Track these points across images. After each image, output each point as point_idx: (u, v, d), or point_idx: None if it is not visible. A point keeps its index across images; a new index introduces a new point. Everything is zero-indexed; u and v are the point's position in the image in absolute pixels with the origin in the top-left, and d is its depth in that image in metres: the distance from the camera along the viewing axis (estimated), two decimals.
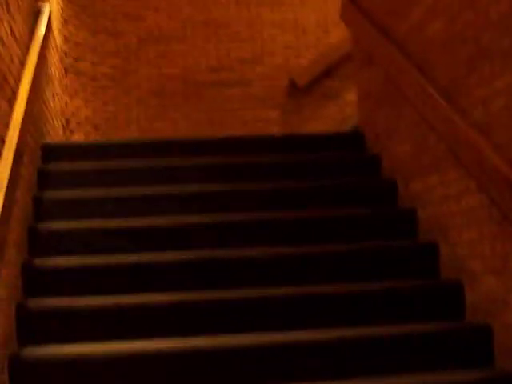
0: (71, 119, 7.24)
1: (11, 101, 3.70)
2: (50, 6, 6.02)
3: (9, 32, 3.72)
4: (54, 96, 6.04)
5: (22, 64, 4.21)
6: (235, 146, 5.31)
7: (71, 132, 7.12)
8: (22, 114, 3.63)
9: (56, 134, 6.14)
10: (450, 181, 3.95)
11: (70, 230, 4.21)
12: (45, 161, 5.06)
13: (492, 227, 3.52)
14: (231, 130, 8.05)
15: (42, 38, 4.56)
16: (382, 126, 4.96)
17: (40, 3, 5.16)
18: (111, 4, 7.99)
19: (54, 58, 6.21)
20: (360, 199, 4.72)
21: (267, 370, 3.39)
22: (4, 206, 3.02)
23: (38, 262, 3.94)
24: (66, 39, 7.28)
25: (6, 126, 3.53)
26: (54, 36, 6.20)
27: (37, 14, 4.93)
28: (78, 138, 7.28)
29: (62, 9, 7.22)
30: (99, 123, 7.68)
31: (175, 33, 8.13)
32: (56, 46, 6.48)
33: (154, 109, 7.99)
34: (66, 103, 7.14)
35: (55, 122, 6.08)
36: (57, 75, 6.42)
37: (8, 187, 3.13)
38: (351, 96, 8.24)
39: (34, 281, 3.92)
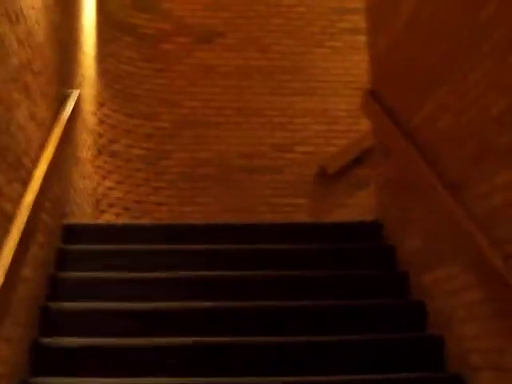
0: (102, 200, 7.39)
1: (26, 182, 3.83)
2: (82, 90, 6.23)
3: (27, 116, 3.87)
4: (83, 177, 6.19)
5: (43, 147, 4.36)
6: (255, 232, 5.38)
7: (101, 213, 7.27)
8: (35, 194, 3.75)
9: (83, 214, 6.28)
10: (454, 275, 3.97)
11: (82, 310, 4.29)
12: (65, 241, 5.17)
13: (490, 322, 3.52)
14: (260, 215, 8.14)
15: (65, 121, 4.72)
16: (397, 218, 5.01)
17: (68, 89, 5.34)
18: (147, 89, 8.21)
19: (85, 140, 6.39)
20: (374, 291, 4.75)
21: None
22: (5, 283, 3.11)
23: (46, 341, 4.01)
24: (100, 121, 7.48)
25: (18, 206, 3.64)
26: (85, 119, 6.40)
27: (64, 99, 5.10)
28: (107, 219, 7.42)
29: (98, 92, 7.45)
30: (130, 205, 7.82)
31: (209, 118, 8.31)
32: (89, 129, 6.67)
33: (186, 193, 8.13)
34: (98, 184, 7.30)
35: (84, 202, 6.23)
36: (88, 156, 6.59)
37: (11, 265, 3.22)
38: None
39: (41, 360, 3.98)
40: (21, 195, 3.72)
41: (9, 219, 3.47)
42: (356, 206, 8.33)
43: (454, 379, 3.87)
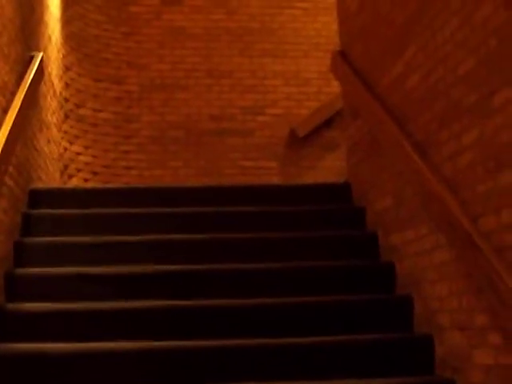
0: (70, 165, 7.30)
1: None
2: (48, 53, 6.12)
3: None
4: (49, 141, 6.10)
5: (5, 111, 4.27)
6: (227, 195, 5.34)
7: (69, 178, 7.18)
8: None
9: (51, 179, 6.20)
10: (424, 235, 3.95)
11: (47, 275, 4.24)
12: (31, 206, 5.10)
13: (459, 282, 3.51)
14: (231, 178, 8.10)
15: (28, 84, 4.63)
16: (367, 179, 4.98)
17: (33, 52, 5.24)
18: (114, 52, 8.10)
19: (51, 104, 6.29)
20: (344, 252, 4.73)
21: None
22: None
23: (11, 307, 3.95)
24: (67, 85, 7.37)
25: None
26: (51, 83, 6.29)
27: (27, 62, 5.00)
28: (76, 184, 7.34)
29: (64, 56, 7.33)
30: (99, 170, 7.74)
31: (178, 81, 8.22)
32: (54, 92, 6.57)
33: (155, 156, 8.05)
34: (65, 149, 7.21)
35: (50, 167, 6.14)
36: (54, 121, 6.50)
37: None
38: None
39: (5, 325, 3.93)
40: None
41: None
42: (327, 168, 8.29)
43: (422, 339, 3.86)
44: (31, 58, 5.13)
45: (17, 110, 4.27)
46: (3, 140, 3.88)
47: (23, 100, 4.44)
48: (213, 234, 4.88)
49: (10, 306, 3.97)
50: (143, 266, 4.46)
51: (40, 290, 4.23)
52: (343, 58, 5.40)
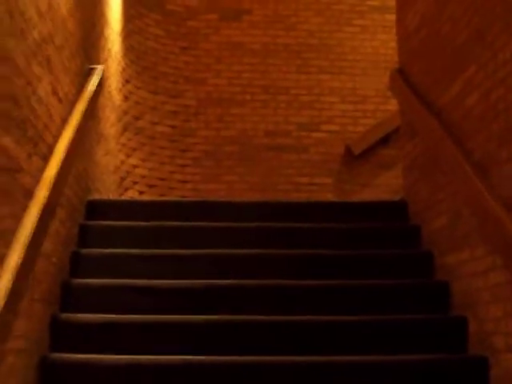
0: (126, 177, 7.37)
1: (46, 157, 3.80)
2: (108, 66, 6.20)
3: (49, 91, 3.84)
4: (107, 153, 6.17)
5: (65, 121, 4.33)
6: (283, 210, 5.34)
7: (125, 190, 7.25)
8: (56, 169, 3.72)
9: (108, 191, 6.27)
10: (479, 256, 3.90)
11: (103, 286, 4.27)
12: (88, 217, 5.16)
13: None
14: (285, 194, 8.09)
15: (88, 97, 4.68)
16: (423, 198, 4.94)
17: (93, 65, 5.31)
18: (172, 66, 8.17)
19: (110, 116, 6.37)
20: (398, 271, 4.70)
21: None
22: (24, 258, 3.09)
23: (65, 316, 4.00)
24: (125, 98, 7.45)
25: (38, 181, 3.62)
26: (110, 95, 6.37)
27: (87, 73, 5.07)
28: (131, 196, 7.41)
29: (123, 69, 7.41)
30: (154, 183, 7.80)
31: (235, 96, 8.26)
32: (113, 105, 6.64)
33: (210, 170, 8.09)
34: (122, 161, 7.28)
35: (107, 179, 6.21)
36: (112, 133, 6.57)
37: (31, 241, 3.20)
38: None
39: (61, 336, 3.97)
40: (41, 170, 3.70)
41: (29, 194, 3.45)
42: (382, 186, 8.25)
43: (477, 361, 3.81)
44: (91, 71, 5.19)
45: (76, 120, 4.32)
46: (64, 149, 3.93)
47: (83, 111, 4.49)
48: (268, 249, 4.88)
49: (64, 315, 4.01)
50: (198, 280, 4.47)
51: (95, 300, 4.27)
52: (402, 75, 5.38)
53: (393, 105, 8.40)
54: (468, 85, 4.12)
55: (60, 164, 3.81)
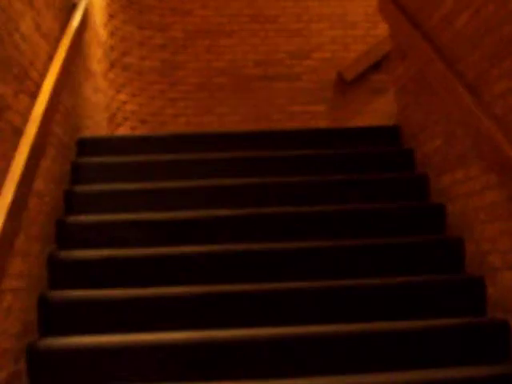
0: (117, 114, 7.31)
1: (34, 95, 3.75)
2: (93, 1, 6.09)
3: (32, 27, 3.77)
4: (95, 91, 6.11)
5: (51, 57, 4.26)
6: (273, 139, 5.31)
7: (116, 126, 7.20)
8: (44, 106, 3.68)
9: (99, 128, 6.22)
10: (474, 176, 3.88)
11: (98, 222, 4.26)
12: (80, 155, 5.12)
13: (510, 223, 3.46)
14: (278, 123, 8.05)
15: (73, 33, 4.61)
16: (416, 121, 4.91)
17: (76, 0, 5.22)
18: None
19: (96, 53, 6.29)
20: (393, 194, 4.69)
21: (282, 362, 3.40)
22: (16, 197, 3.07)
23: (63, 254, 3.99)
24: (111, 34, 7.35)
25: (27, 119, 3.58)
26: (95, 31, 6.28)
27: (71, 9, 4.98)
28: (123, 132, 7.36)
29: (108, 4, 7.30)
30: (146, 118, 7.74)
31: (223, 27, 8.15)
32: (99, 41, 6.56)
33: (202, 103, 8.03)
34: (112, 97, 7.22)
35: (97, 116, 6.15)
36: (100, 70, 6.49)
37: (22, 179, 3.18)
38: None
39: (58, 273, 3.97)
40: (29, 108, 3.65)
41: (18, 132, 3.41)
42: (375, 112, 8.20)
43: (473, 280, 3.83)
44: (75, 6, 5.11)
45: (62, 57, 4.26)
46: (51, 86, 3.88)
47: (68, 48, 4.42)
48: (265, 178, 4.86)
49: (61, 253, 4.01)
50: (194, 211, 4.45)
51: (90, 236, 4.26)
52: None
53: (383, 29, 8.31)
54: (457, 3, 4.05)
55: (48, 101, 3.76)
